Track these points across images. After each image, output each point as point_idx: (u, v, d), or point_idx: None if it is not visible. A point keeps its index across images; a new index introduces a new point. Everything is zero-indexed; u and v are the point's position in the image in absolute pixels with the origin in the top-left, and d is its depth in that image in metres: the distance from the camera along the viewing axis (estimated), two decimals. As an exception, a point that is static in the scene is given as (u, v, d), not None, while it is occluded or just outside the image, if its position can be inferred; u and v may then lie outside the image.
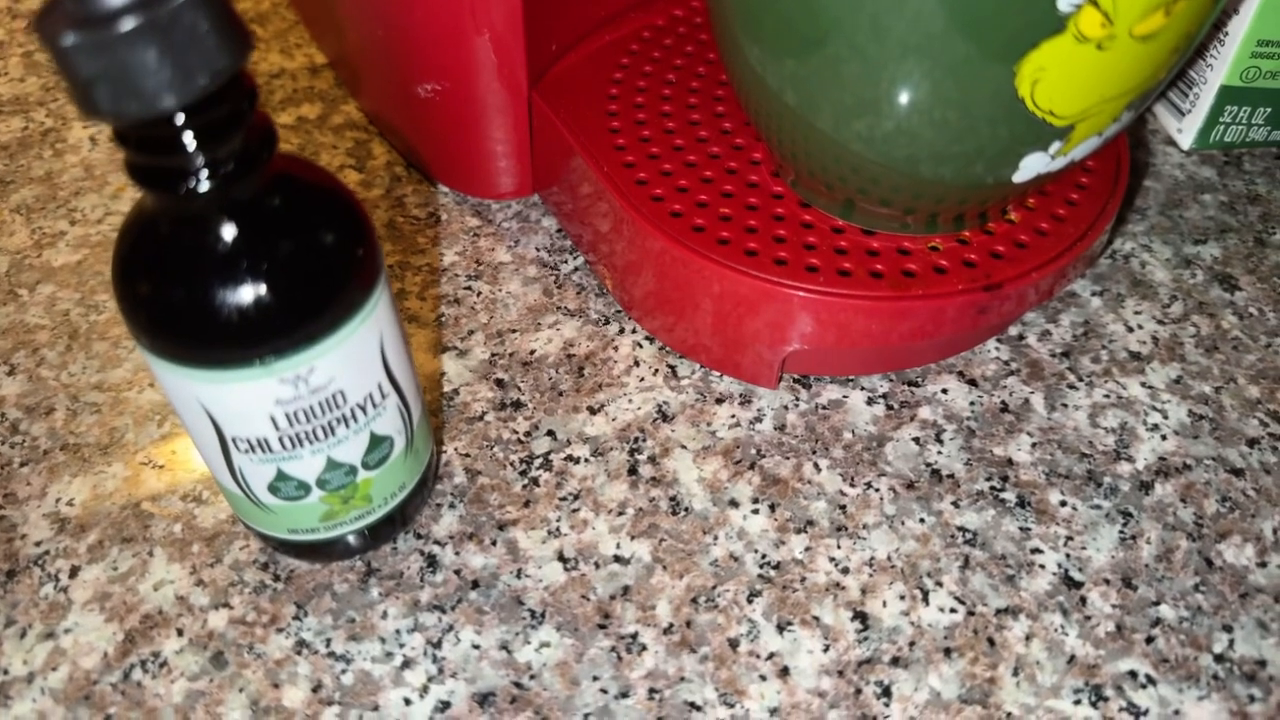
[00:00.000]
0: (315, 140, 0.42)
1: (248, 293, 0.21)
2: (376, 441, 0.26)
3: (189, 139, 0.19)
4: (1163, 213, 0.40)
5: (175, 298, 0.21)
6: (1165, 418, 0.33)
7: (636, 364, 0.34)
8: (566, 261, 0.38)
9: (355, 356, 0.24)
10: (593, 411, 0.33)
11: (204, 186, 0.20)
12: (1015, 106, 0.24)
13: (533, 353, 0.35)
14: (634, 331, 0.35)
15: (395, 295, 0.36)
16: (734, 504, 0.30)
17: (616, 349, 0.35)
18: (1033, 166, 0.27)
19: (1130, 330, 0.35)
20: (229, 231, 0.21)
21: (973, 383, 0.34)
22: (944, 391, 0.33)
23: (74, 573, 0.29)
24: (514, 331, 0.35)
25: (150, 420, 0.33)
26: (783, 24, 0.25)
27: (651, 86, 0.36)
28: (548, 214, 0.39)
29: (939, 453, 0.32)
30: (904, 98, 0.25)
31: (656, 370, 0.34)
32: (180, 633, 0.28)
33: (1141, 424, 0.32)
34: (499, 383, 0.34)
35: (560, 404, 0.33)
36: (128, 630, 0.28)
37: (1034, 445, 0.32)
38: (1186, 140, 0.42)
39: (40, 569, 0.29)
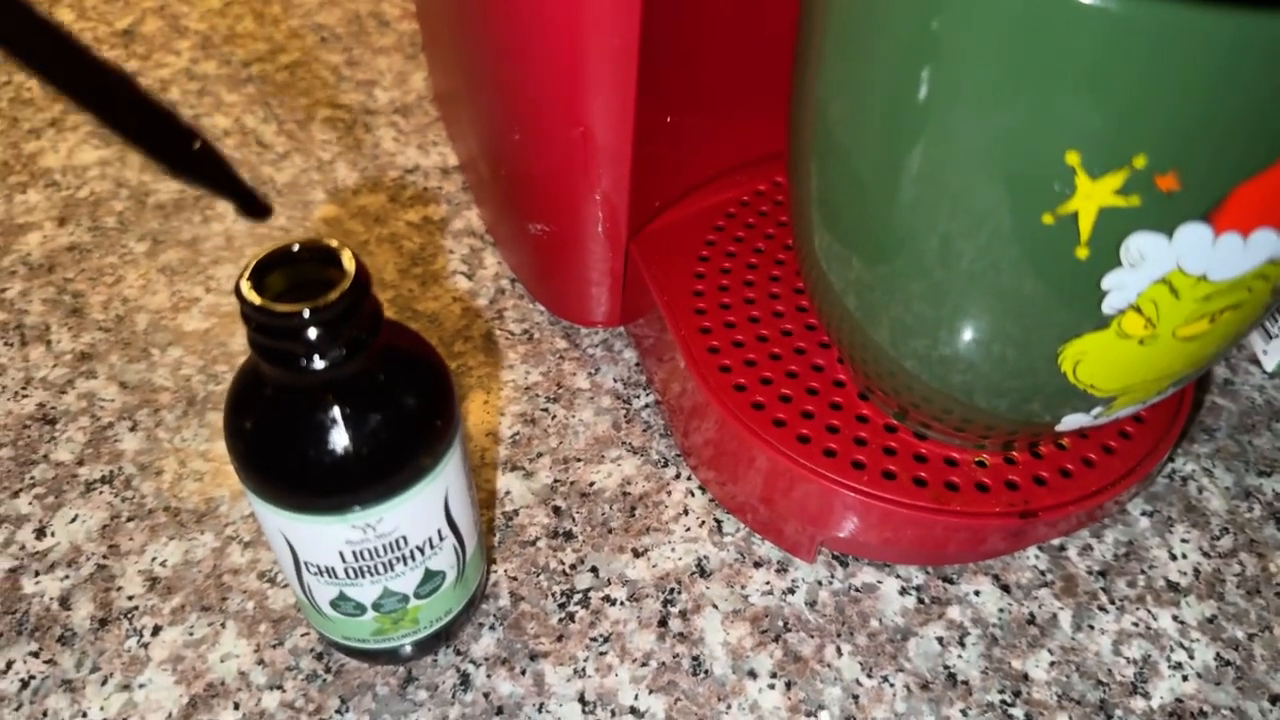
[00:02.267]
0: (435, 242, 0.46)
1: (336, 458, 0.24)
2: (430, 575, 0.29)
3: (311, 332, 0.22)
4: (1232, 436, 0.40)
5: (272, 451, 0.25)
6: (1191, 657, 0.33)
7: (686, 512, 0.36)
8: (639, 396, 0.40)
9: (421, 509, 0.27)
10: (636, 554, 0.35)
11: (317, 367, 0.23)
12: (1058, 375, 0.26)
13: (592, 484, 0.37)
14: (689, 479, 0.37)
15: (482, 406, 0.39)
16: (753, 675, 0.32)
17: (670, 494, 0.37)
18: (1075, 421, 0.28)
19: (1174, 558, 0.36)
20: (331, 404, 0.24)
21: (1006, 589, 0.35)
22: (976, 593, 0.34)
23: (156, 631, 0.33)
24: (579, 460, 0.38)
25: (243, 497, 0.36)
26: (856, 225, 0.27)
27: (741, 253, 0.39)
28: (630, 345, 0.42)
29: (959, 656, 0.33)
30: (960, 329, 0.26)
31: (703, 522, 0.36)
32: (236, 707, 0.31)
33: (1165, 660, 0.33)
34: (556, 510, 0.36)
35: (608, 541, 0.35)
36: (193, 695, 0.31)
37: (1052, 664, 0.33)
38: (1271, 363, 0.42)
39: (128, 622, 0.33)
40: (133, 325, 0.42)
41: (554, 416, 0.39)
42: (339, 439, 0.24)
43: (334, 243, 0.24)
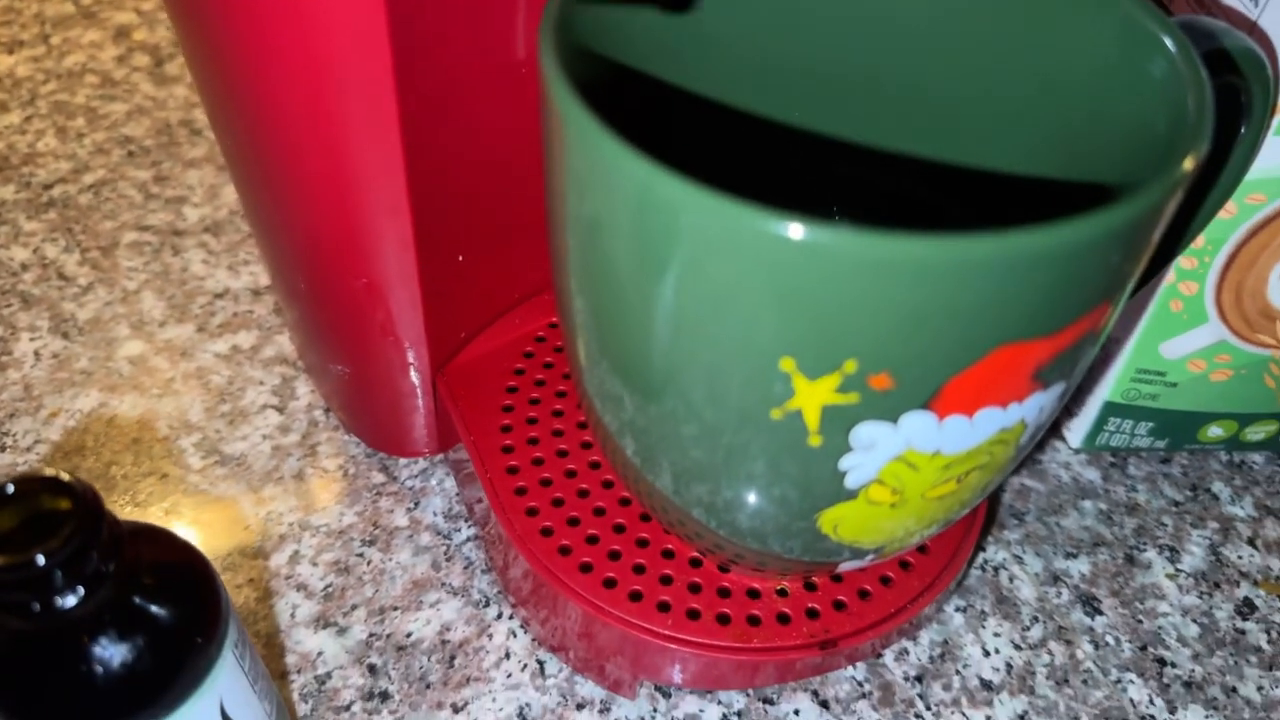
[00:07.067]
0: (244, 374, 0.44)
1: (84, 698, 0.23)
2: (215, 783, 0.27)
3: (40, 579, 0.21)
4: (1040, 519, 0.41)
5: (14, 696, 0.23)
6: (1003, 760, 0.34)
7: (508, 655, 0.36)
8: (460, 530, 0.39)
9: (189, 724, 0.25)
10: (456, 709, 0.34)
11: (57, 609, 0.22)
12: (822, 537, 0.26)
13: (409, 635, 0.36)
14: (510, 618, 0.37)
15: (291, 559, 0.38)
16: (571, 830, 0.32)
17: (491, 637, 0.36)
18: (851, 566, 0.28)
19: (986, 654, 0.37)
20: (73, 644, 0.23)
21: (825, 704, 0.35)
22: (796, 712, 0.35)
23: None
24: (395, 609, 0.37)
25: None
26: (618, 381, 0.26)
27: (550, 380, 0.38)
28: (451, 474, 0.41)
29: (778, 785, 0.33)
30: (724, 496, 0.26)
31: (525, 665, 0.35)
32: None
33: (978, 766, 0.34)
34: (371, 668, 0.35)
35: (426, 698, 0.34)
36: None
37: (870, 783, 0.33)
38: (1075, 440, 0.43)
39: None
40: (-85, 496, 0.39)
41: (369, 562, 0.38)
42: (85, 678, 0.23)
43: (52, 471, 0.23)
